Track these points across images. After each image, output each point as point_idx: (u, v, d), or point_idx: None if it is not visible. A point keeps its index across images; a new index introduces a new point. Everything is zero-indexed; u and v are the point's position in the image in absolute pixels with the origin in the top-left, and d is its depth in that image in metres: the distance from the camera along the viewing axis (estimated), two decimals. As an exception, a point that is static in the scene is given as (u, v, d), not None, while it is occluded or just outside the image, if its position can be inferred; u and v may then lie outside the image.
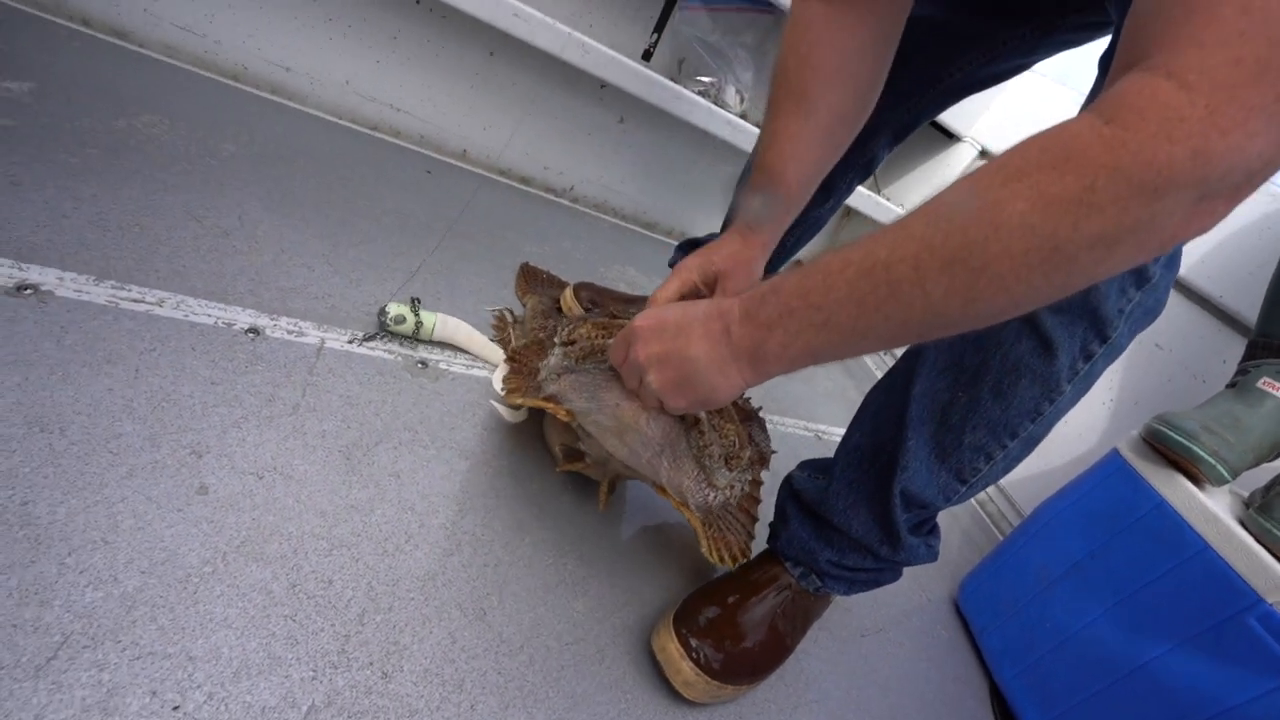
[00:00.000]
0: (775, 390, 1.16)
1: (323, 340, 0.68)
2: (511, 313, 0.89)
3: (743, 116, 1.25)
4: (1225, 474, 0.69)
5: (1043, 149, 0.29)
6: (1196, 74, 0.25)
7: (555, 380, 0.57)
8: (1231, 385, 0.80)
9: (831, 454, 0.64)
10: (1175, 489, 0.71)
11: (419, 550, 0.55)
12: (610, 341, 0.52)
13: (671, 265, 0.98)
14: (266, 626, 0.45)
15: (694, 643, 0.56)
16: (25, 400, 0.48)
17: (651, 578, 0.67)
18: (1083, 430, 1.13)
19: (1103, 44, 0.54)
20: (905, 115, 0.77)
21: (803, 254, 1.23)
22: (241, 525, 0.49)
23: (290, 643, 0.45)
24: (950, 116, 1.46)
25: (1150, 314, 0.50)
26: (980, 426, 0.53)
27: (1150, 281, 0.47)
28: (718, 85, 1.23)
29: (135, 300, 0.60)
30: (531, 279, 0.97)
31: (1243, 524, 0.69)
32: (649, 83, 1.15)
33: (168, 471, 0.50)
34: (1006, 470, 0.56)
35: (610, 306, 0.93)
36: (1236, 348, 0.96)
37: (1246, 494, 0.78)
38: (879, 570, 0.62)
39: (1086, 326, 0.48)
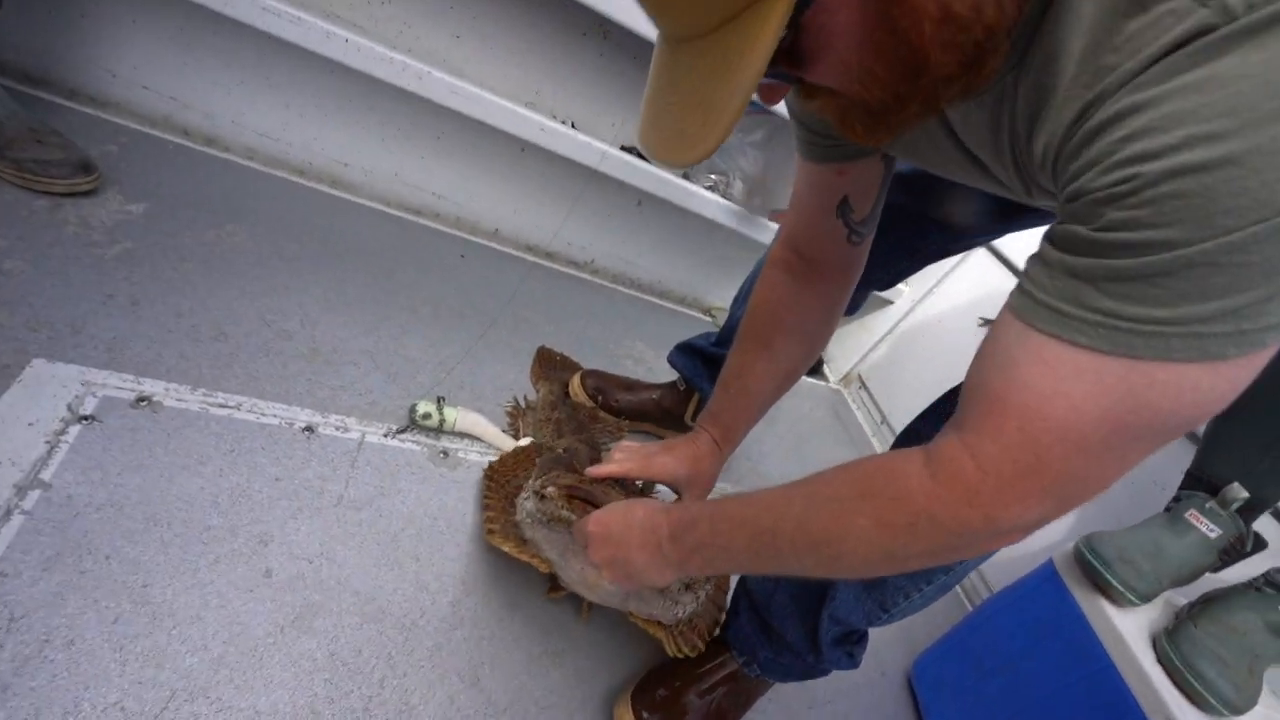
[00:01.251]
0: (762, 466, 1.27)
1: (363, 435, 0.83)
2: (526, 399, 1.03)
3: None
4: (1135, 599, 0.78)
5: (888, 480, 0.40)
6: (989, 462, 0.36)
7: (531, 528, 0.68)
8: (1168, 509, 0.88)
9: None
10: (1094, 607, 0.80)
11: (430, 625, 0.69)
12: (573, 517, 0.63)
13: (670, 364, 1.09)
14: (311, 688, 0.60)
15: (645, 715, 0.69)
16: (145, 499, 0.64)
17: (621, 651, 0.79)
18: (1053, 525, 1.20)
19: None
20: (886, 274, 0.88)
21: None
22: (295, 604, 0.64)
23: (328, 701, 0.60)
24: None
25: None
26: (901, 573, 0.62)
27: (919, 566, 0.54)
28: (726, 180, 1.35)
29: (220, 405, 0.76)
30: (546, 364, 1.11)
31: (1152, 643, 0.78)
32: (661, 181, 1.29)
33: (243, 558, 0.64)
34: (924, 606, 0.65)
35: (612, 394, 1.07)
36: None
37: (1136, 599, 0.83)
38: (808, 669, 0.73)
39: None
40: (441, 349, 1.03)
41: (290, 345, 0.88)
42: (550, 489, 0.67)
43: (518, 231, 1.44)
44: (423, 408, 0.87)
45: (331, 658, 0.62)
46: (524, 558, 0.69)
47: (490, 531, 0.71)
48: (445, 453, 0.88)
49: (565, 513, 0.64)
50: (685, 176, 1.33)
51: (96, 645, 0.54)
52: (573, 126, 1.25)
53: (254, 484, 0.71)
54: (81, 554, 0.58)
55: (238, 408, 0.77)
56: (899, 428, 1.69)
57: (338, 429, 0.82)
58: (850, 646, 0.72)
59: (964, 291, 1.57)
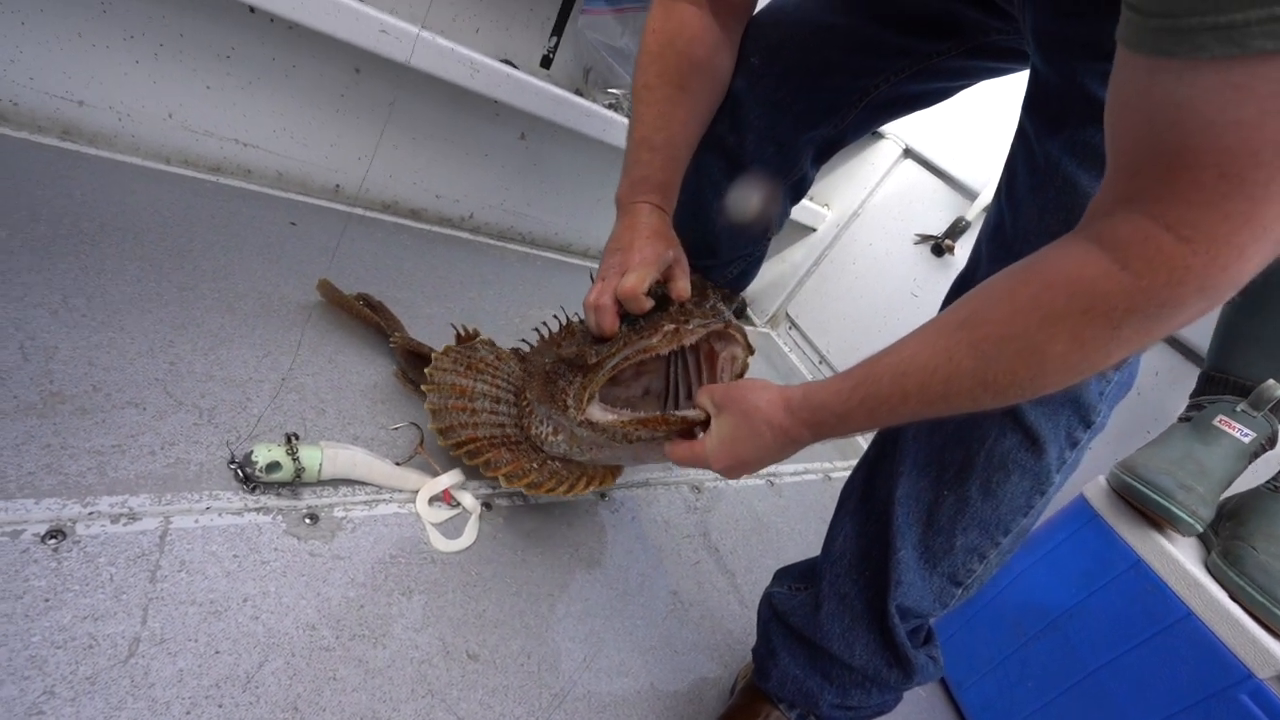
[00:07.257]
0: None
1: (166, 520, 0.51)
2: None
3: (660, 129, 1.13)
4: (1198, 528, 0.68)
5: (1069, 293, 0.34)
6: (1191, 229, 0.30)
7: (583, 451, 0.63)
8: (1186, 419, 0.79)
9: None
10: (1152, 548, 0.69)
11: (334, 823, 0.42)
12: (655, 435, 0.56)
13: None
14: None
15: None
16: None
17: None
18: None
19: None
20: (831, 130, 0.71)
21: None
22: None
23: None
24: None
25: (1125, 386, 0.50)
26: (972, 527, 0.51)
27: (1126, 360, 0.47)
28: (629, 96, 1.09)
29: None
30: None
31: (1208, 570, 0.69)
32: (552, 100, 1.00)
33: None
34: (1000, 564, 0.53)
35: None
36: (1184, 372, 0.97)
37: (1200, 528, 0.77)
38: (885, 701, 0.56)
39: (1070, 415, 0.48)
40: (282, 360, 0.71)
41: (4, 391, 0.53)
42: (611, 418, 0.58)
43: (365, 186, 1.09)
44: (264, 456, 0.56)
45: None
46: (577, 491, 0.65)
47: (518, 481, 0.63)
48: (313, 516, 0.58)
49: (642, 433, 0.57)
50: (579, 93, 1.05)
51: None
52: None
53: (-60, 668, 0.38)
54: None
55: (-109, 527, 0.42)
56: (840, 365, 1.59)
57: (115, 519, 0.49)
58: (929, 649, 0.55)
59: (892, 207, 1.45)
